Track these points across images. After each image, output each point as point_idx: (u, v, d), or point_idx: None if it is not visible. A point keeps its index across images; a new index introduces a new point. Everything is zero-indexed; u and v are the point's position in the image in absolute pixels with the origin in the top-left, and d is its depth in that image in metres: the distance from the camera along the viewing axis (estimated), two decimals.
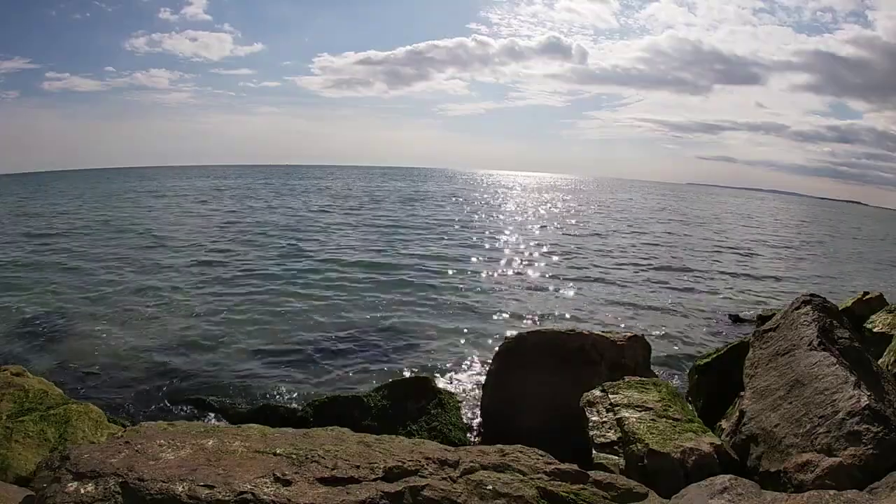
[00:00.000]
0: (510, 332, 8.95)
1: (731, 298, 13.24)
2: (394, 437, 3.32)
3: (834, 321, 4.02)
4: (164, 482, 2.47)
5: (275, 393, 6.91)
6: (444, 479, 2.73)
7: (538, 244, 21.37)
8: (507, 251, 19.22)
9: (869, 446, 2.95)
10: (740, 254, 21.93)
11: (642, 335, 6.02)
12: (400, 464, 2.78)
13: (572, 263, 16.97)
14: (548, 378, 5.32)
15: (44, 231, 20.89)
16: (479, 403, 6.39)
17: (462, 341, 9.02)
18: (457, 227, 25.84)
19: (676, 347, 9.25)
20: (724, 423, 4.11)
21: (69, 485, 2.50)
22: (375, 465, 2.76)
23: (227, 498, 2.42)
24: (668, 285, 14.37)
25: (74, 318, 9.56)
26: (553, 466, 2.95)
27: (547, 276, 14.91)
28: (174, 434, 3.00)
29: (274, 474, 2.61)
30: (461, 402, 6.19)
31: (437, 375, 7.44)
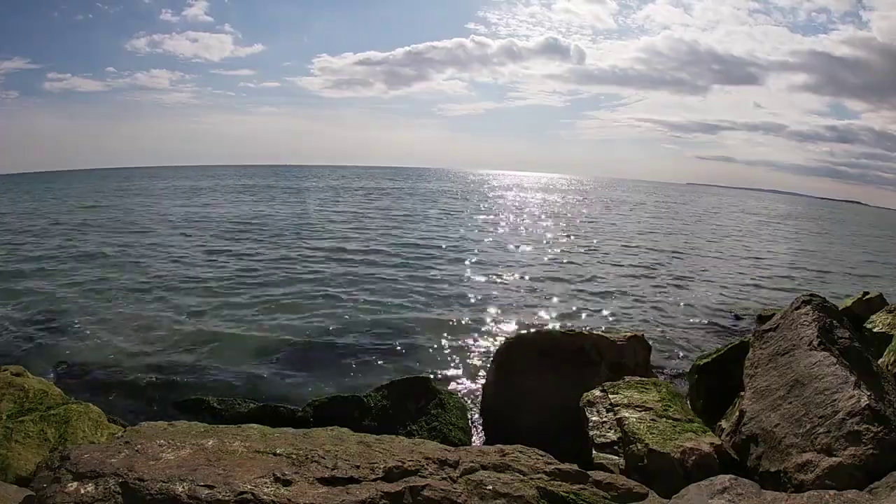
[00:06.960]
0: (510, 333, 8.97)
1: (731, 298, 13.23)
2: (394, 437, 3.32)
3: (834, 321, 4.01)
4: (164, 482, 2.47)
5: (275, 393, 6.90)
6: (444, 479, 2.73)
7: (539, 244, 21.37)
8: (507, 252, 19.20)
9: (869, 446, 2.95)
10: (741, 254, 21.93)
11: (642, 335, 6.02)
12: (400, 464, 2.78)
13: (572, 263, 16.95)
14: (548, 378, 5.31)
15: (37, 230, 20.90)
16: (479, 403, 6.39)
17: (462, 341, 9.01)
18: (457, 227, 25.84)
19: (676, 347, 9.24)
20: (724, 423, 4.11)
21: (69, 485, 2.50)
22: (375, 465, 2.77)
23: (227, 498, 2.42)
24: (668, 285, 14.36)
25: (74, 318, 9.55)
26: (553, 466, 2.95)
27: (547, 276, 14.89)
28: (174, 434, 3.00)
29: (274, 474, 2.61)
30: (461, 402, 6.19)
31: (437, 375, 7.44)
